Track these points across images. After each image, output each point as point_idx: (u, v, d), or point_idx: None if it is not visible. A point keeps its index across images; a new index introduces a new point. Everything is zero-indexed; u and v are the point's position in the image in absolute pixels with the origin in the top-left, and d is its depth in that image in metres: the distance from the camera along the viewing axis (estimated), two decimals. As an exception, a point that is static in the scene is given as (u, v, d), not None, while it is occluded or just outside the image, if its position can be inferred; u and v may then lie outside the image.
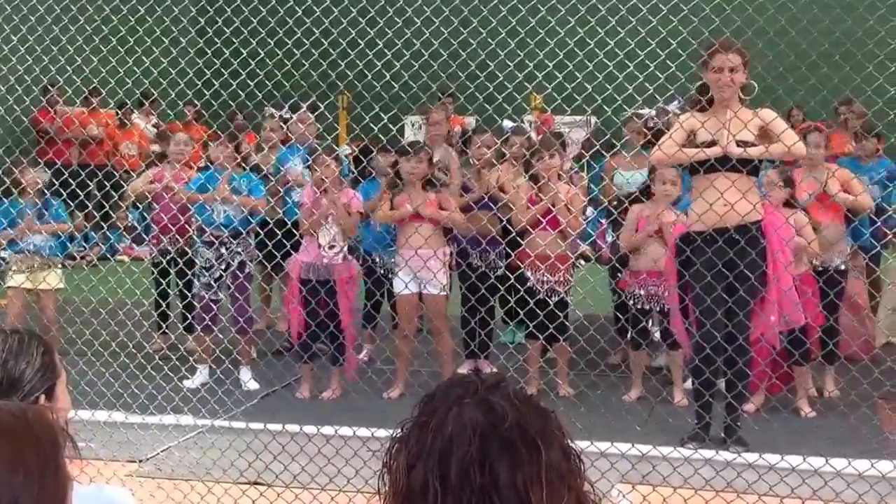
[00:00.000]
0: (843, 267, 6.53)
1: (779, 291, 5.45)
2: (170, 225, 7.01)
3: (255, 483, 5.06)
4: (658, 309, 6.58)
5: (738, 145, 5.24)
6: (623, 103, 6.43)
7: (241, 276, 6.90)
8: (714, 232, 5.30)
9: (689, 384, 6.56)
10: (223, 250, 6.90)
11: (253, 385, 6.91)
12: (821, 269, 6.40)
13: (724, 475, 4.84)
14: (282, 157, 8.02)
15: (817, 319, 6.21)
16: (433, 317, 6.85)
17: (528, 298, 5.95)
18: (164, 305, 7.74)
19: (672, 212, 6.50)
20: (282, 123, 8.12)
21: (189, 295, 7.33)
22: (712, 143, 5.29)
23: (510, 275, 6.24)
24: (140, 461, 5.47)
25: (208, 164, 7.18)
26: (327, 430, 5.30)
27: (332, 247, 6.68)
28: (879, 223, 5.54)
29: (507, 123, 7.94)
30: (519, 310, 6.02)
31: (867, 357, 5.99)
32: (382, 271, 7.34)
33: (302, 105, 7.17)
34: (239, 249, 6.91)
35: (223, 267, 6.90)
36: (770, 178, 6.05)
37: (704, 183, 5.33)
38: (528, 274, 6.43)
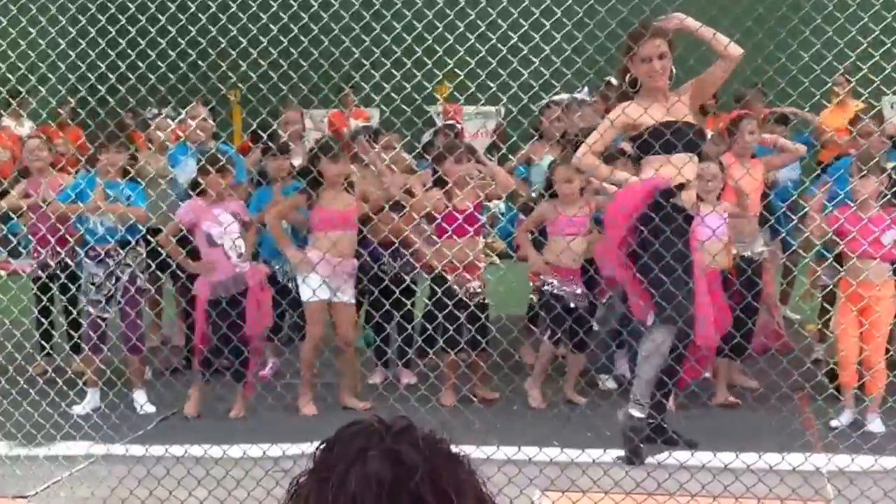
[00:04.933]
0: (757, 259, 6.80)
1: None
2: (49, 236, 6.91)
3: (158, 513, 5.08)
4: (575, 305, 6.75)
5: (685, 127, 5.30)
6: (539, 90, 6.53)
7: (131, 289, 6.82)
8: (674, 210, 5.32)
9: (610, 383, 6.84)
10: (110, 262, 6.84)
11: (149, 408, 6.87)
12: (737, 260, 6.64)
13: (654, 476, 5.05)
14: (171, 158, 7.87)
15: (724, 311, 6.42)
16: (343, 326, 6.85)
17: (425, 300, 6.06)
18: (46, 324, 7.62)
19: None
20: (170, 121, 8.02)
21: (74, 312, 7.22)
22: (666, 124, 5.29)
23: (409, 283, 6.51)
24: (27, 496, 5.42)
25: (88, 168, 7.08)
26: (233, 451, 5.33)
27: (240, 255, 6.73)
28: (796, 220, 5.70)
29: (354, 123, 8.06)
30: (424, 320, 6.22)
31: (775, 347, 6.28)
32: (285, 280, 7.36)
33: (191, 100, 7.11)
34: (128, 261, 6.85)
35: (111, 281, 6.83)
36: (709, 170, 6.23)
37: (657, 164, 5.35)
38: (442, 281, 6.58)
